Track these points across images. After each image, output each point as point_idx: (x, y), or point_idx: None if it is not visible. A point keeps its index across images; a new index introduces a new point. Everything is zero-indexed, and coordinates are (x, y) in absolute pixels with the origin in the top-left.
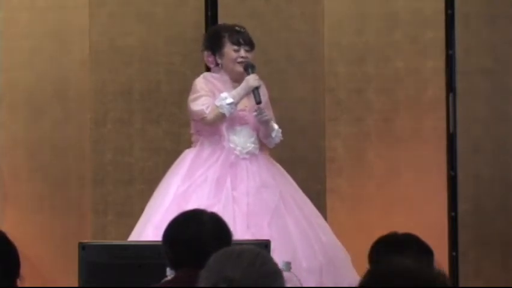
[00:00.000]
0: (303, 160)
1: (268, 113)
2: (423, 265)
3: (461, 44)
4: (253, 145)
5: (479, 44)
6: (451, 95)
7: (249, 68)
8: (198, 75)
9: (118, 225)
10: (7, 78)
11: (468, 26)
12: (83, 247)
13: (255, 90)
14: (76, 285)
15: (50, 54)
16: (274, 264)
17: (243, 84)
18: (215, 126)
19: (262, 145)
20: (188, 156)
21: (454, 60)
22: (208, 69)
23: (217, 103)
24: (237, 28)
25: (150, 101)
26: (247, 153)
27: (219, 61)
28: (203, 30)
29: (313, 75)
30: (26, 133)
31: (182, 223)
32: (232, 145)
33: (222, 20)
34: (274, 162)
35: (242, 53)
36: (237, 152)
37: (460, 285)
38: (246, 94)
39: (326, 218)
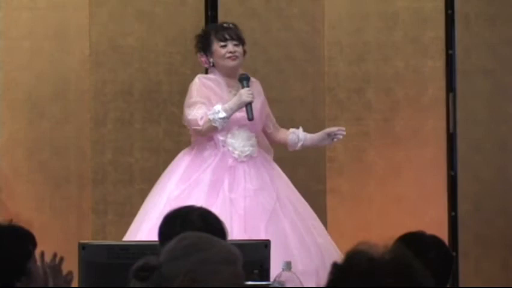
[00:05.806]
0: (303, 160)
1: (268, 110)
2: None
3: (461, 44)
4: (251, 148)
5: (479, 44)
6: (450, 95)
7: (243, 80)
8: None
9: (118, 225)
10: (7, 78)
11: (468, 26)
12: (83, 247)
13: (248, 106)
14: (76, 285)
15: (50, 54)
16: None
17: (236, 99)
18: (208, 135)
19: (264, 146)
20: (184, 159)
21: (453, 60)
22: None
23: (210, 116)
24: (224, 25)
25: (150, 101)
26: (245, 156)
27: (211, 60)
28: None
29: (313, 75)
30: (26, 133)
31: (170, 220)
32: (230, 148)
33: (222, 20)
34: (273, 163)
35: (230, 47)
36: (235, 156)
37: (460, 285)
38: (239, 108)
39: (325, 218)
